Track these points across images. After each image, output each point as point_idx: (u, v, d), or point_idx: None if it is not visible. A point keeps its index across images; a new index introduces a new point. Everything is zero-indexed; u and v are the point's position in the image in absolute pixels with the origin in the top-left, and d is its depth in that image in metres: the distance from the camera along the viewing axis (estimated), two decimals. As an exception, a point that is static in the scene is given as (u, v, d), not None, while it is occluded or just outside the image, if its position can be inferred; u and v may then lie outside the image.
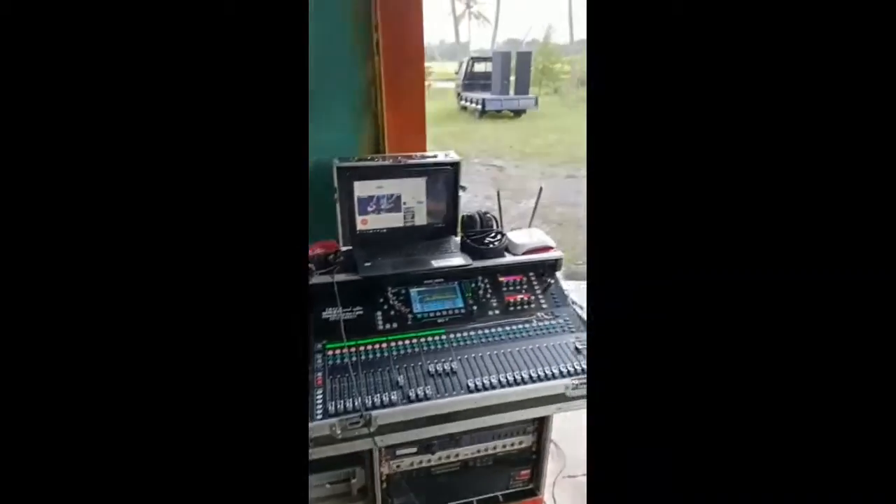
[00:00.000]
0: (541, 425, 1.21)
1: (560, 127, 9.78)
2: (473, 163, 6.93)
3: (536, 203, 1.35)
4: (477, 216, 1.29)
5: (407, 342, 1.06)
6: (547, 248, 1.27)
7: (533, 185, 5.85)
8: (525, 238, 1.28)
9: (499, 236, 1.27)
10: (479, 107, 11.25)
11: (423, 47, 1.84)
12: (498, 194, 1.36)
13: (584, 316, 1.17)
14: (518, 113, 11.39)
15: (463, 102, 12.59)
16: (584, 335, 1.11)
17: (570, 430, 1.71)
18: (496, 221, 1.30)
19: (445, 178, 1.30)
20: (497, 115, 11.30)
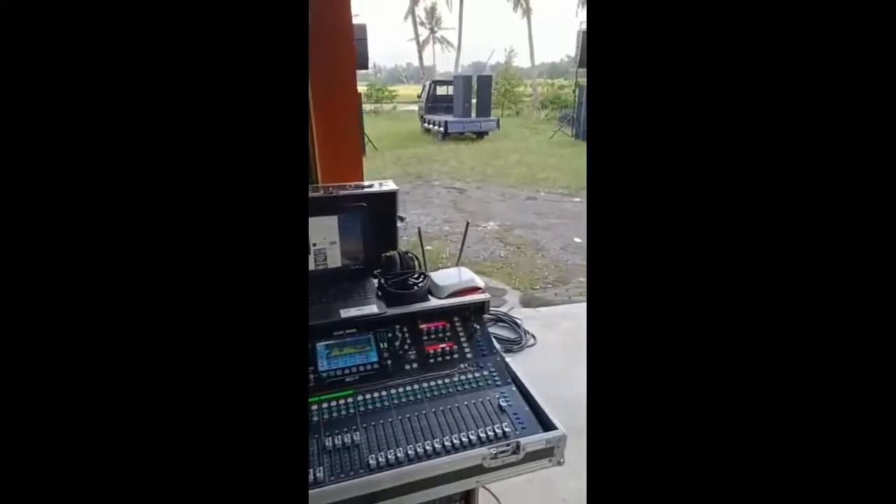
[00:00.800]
0: (468, 491, 1.08)
1: (521, 149, 9.93)
2: (434, 185, 6.88)
3: (463, 241, 1.25)
4: (397, 256, 1.18)
5: (306, 409, 0.92)
6: (474, 290, 1.16)
7: (494, 206, 5.82)
8: (450, 279, 1.17)
9: (421, 278, 1.16)
10: (442, 129, 11.33)
11: (355, 72, 1.75)
12: (419, 232, 1.25)
13: (511, 366, 1.06)
14: (480, 135, 11.53)
15: (426, 125, 12.66)
16: (509, 388, 1.00)
17: (512, 482, 1.58)
18: (418, 261, 1.19)
19: (365, 214, 1.19)
20: (460, 136, 11.40)
